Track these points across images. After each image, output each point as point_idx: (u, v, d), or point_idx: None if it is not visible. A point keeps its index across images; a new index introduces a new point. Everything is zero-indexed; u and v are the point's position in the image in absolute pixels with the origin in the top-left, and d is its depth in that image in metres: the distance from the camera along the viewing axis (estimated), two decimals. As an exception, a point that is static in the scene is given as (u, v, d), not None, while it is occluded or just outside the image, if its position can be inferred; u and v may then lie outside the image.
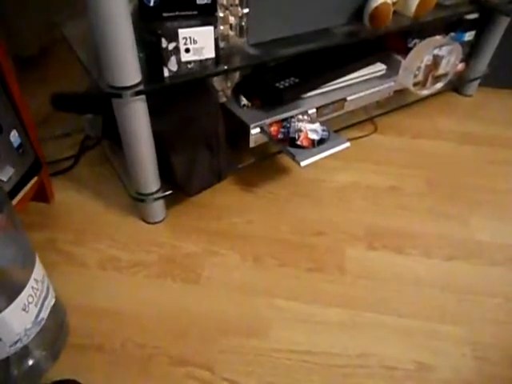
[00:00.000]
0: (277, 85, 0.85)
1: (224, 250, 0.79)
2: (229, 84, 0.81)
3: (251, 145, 0.86)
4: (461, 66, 1.23)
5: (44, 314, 0.54)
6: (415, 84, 1.10)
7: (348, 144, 0.85)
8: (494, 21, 1.16)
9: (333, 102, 0.95)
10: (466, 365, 0.64)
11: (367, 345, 0.65)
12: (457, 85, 1.30)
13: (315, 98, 0.94)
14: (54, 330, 0.60)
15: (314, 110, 0.93)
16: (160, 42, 0.61)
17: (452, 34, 1.14)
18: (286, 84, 0.86)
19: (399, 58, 1.07)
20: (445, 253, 0.81)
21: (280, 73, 0.90)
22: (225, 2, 0.66)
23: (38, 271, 0.54)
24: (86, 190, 0.91)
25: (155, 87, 0.64)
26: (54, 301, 0.57)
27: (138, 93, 0.63)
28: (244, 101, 0.88)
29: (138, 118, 0.67)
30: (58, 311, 0.60)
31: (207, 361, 0.62)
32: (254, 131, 0.85)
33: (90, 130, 0.99)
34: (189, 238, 0.81)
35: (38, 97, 1.12)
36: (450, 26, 1.13)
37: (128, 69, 0.61)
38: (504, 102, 1.30)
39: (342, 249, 0.80)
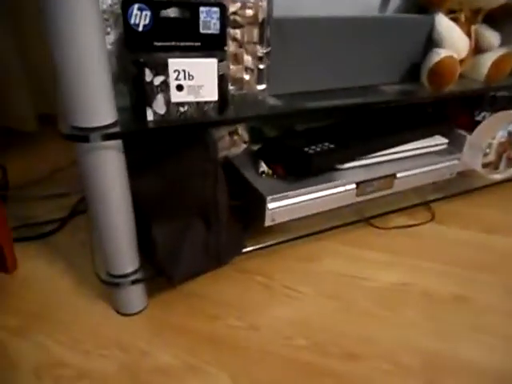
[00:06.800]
0: (305, 149, 0.67)
1: (210, 368, 0.55)
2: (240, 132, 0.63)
3: (267, 223, 0.66)
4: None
5: None
6: (485, 165, 0.89)
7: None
8: None
9: (379, 178, 0.75)
10: None
11: None
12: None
13: (356, 170, 0.74)
14: None
15: (354, 186, 0.73)
16: (143, 74, 0.46)
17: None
18: (318, 149, 0.68)
19: (463, 132, 0.87)
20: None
21: (311, 137, 0.72)
22: (239, 37, 0.52)
23: None
24: (59, 262, 0.73)
25: (132, 131, 0.48)
26: None
27: (109, 136, 0.47)
28: (263, 167, 0.70)
29: (110, 171, 0.50)
30: None
31: None
32: (272, 205, 0.65)
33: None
34: (168, 342, 0.59)
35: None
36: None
37: (96, 105, 0.45)
38: None
39: (384, 386, 0.54)
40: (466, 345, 0.60)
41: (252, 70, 0.55)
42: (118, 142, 0.49)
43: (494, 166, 0.90)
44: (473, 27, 0.74)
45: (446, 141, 0.83)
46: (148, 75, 0.46)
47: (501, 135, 0.86)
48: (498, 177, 0.93)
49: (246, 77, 0.55)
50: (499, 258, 0.79)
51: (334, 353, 0.58)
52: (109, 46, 0.48)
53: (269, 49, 0.54)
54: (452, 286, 0.71)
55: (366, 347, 0.59)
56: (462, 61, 0.70)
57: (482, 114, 0.87)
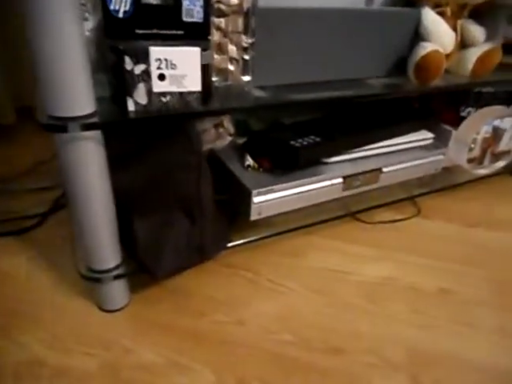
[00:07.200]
0: (292, 142, 0.67)
1: (195, 364, 0.54)
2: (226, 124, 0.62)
3: (252, 217, 0.66)
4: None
5: None
6: (470, 160, 0.89)
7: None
8: None
9: (364, 172, 0.75)
10: None
11: None
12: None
13: (342, 164, 0.74)
14: None
15: (340, 180, 0.73)
16: (123, 62, 0.44)
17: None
18: (304, 143, 0.67)
19: (449, 128, 0.88)
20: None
21: (298, 130, 0.72)
22: (223, 26, 0.51)
23: None
24: (40, 257, 0.71)
25: (112, 122, 0.47)
26: None
27: (88, 126, 0.45)
28: (249, 161, 0.69)
29: (89, 163, 0.48)
30: None
31: None
32: (258, 199, 0.65)
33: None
34: (151, 338, 0.57)
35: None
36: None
37: (75, 94, 0.44)
38: None
39: (368, 380, 0.54)
40: (450, 338, 0.60)
41: (237, 61, 0.53)
42: (97, 133, 0.47)
43: (478, 161, 0.91)
44: (459, 22, 0.74)
45: (432, 135, 0.84)
46: (128, 63, 0.44)
47: (485, 131, 0.86)
48: (482, 172, 0.94)
49: (231, 67, 0.54)
50: (483, 252, 0.80)
51: (319, 348, 0.58)
52: (87, 33, 0.46)
53: (254, 39, 0.53)
54: (437, 280, 0.71)
55: (351, 341, 0.59)
56: (447, 55, 0.70)
57: (467, 109, 0.88)
